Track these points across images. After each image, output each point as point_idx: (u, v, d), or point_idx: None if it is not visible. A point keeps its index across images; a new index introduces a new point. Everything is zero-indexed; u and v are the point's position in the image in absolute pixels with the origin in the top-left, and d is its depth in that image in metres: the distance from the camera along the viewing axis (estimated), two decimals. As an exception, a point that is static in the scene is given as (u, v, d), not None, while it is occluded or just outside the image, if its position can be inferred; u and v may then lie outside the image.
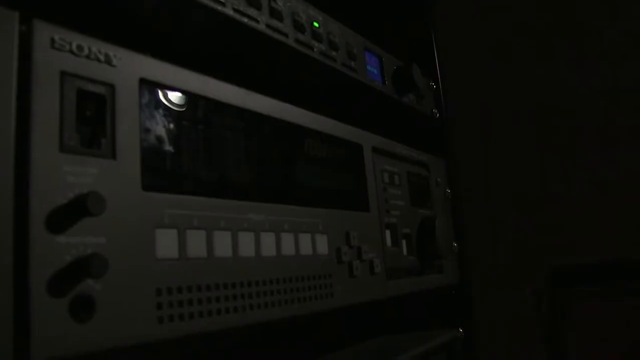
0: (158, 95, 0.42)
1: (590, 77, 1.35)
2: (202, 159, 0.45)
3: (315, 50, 0.60)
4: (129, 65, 0.40)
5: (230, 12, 0.49)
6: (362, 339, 0.80)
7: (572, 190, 1.41)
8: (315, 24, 0.61)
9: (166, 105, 0.43)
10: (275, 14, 0.54)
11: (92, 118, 0.37)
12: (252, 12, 0.51)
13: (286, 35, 0.56)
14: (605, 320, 1.38)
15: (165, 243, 0.40)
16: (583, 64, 1.37)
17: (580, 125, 1.37)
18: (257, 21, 0.52)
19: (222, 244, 0.44)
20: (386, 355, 0.66)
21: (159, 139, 0.41)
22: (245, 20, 0.51)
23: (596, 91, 1.35)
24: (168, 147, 0.42)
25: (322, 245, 0.55)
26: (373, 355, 0.67)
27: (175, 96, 0.43)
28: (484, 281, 1.26)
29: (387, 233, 0.69)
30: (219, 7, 0.48)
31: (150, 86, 0.41)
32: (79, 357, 0.34)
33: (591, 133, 1.36)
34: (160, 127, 0.42)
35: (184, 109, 0.44)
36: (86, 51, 0.37)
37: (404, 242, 0.72)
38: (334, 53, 0.63)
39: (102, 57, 0.38)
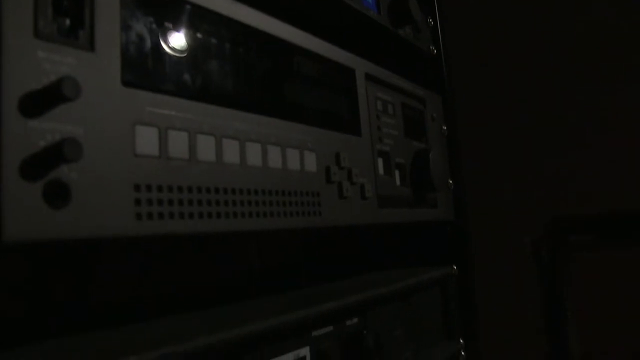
0: (140, -7, 0.41)
1: (592, 12, 1.33)
2: (185, 62, 0.44)
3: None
4: (109, -42, 0.39)
5: None
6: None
7: (575, 137, 1.40)
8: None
9: (150, 5, 0.42)
10: None
11: (69, 8, 0.36)
12: None
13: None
14: (604, 269, 1.38)
15: (145, 140, 0.39)
16: None
17: (585, 69, 1.35)
18: None
19: (205, 148, 0.43)
20: (376, 287, 0.66)
21: (141, 37, 0.41)
22: None
23: (601, 28, 1.33)
24: (150, 46, 0.41)
25: (311, 162, 0.55)
26: (363, 286, 0.66)
27: (157, -4, 0.42)
28: (481, 223, 1.25)
29: (380, 161, 0.68)
30: None
31: (130, -18, 0.40)
32: (55, 243, 0.33)
33: (597, 76, 1.34)
34: (142, 25, 0.41)
35: (168, 11, 0.43)
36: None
37: (397, 173, 0.72)
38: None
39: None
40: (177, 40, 0.43)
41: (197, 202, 0.42)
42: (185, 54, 0.44)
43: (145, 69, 0.40)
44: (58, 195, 0.33)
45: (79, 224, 0.34)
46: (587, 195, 1.40)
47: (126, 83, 0.38)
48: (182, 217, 0.41)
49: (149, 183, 0.39)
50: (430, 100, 0.85)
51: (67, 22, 0.36)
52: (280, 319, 0.50)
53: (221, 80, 0.47)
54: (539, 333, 1.43)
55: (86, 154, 0.35)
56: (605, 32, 1.32)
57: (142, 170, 0.38)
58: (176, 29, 0.43)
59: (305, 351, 0.55)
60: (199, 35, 0.45)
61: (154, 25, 0.42)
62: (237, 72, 0.49)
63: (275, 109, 0.52)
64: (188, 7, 0.45)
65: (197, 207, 0.42)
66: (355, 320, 0.63)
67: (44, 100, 0.33)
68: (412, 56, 0.87)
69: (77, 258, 0.58)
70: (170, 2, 0.44)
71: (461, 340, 0.87)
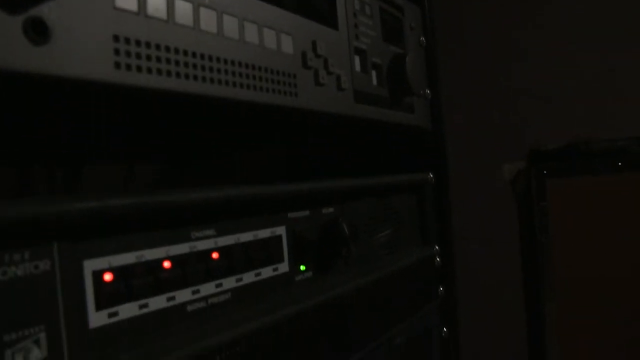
0: None
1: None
2: None
3: None
4: None
5: None
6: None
7: (555, 59, 1.41)
8: None
9: None
10: None
11: None
12: None
13: None
14: (580, 196, 1.42)
15: (123, -4, 0.40)
16: None
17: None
18: None
19: (183, 13, 0.45)
20: (352, 180, 0.68)
21: None
22: None
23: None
24: None
25: (287, 44, 0.56)
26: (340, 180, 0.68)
27: None
28: (457, 135, 1.28)
29: (357, 59, 0.70)
30: None
31: None
32: (34, 80, 0.35)
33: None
34: None
35: None
36: None
37: (373, 73, 0.73)
38: None
39: None
40: None
41: (174, 62, 0.43)
42: None
43: None
44: (38, 32, 0.34)
45: (58, 62, 0.35)
46: (565, 124, 1.42)
47: (105, -64, 0.39)
48: (160, 73, 0.42)
49: (127, 36, 0.40)
50: (408, 9, 0.85)
51: None
52: (256, 190, 0.52)
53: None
54: (512, 245, 1.47)
55: (65, -3, 0.36)
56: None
57: (121, 22, 0.40)
58: None
59: (281, 230, 0.57)
60: None
61: None
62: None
63: (251, -12, 0.53)
64: None
65: (174, 66, 0.43)
66: (331, 209, 0.65)
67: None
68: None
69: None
70: None
71: (436, 247, 0.90)
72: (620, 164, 1.44)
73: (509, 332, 1.48)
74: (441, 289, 0.91)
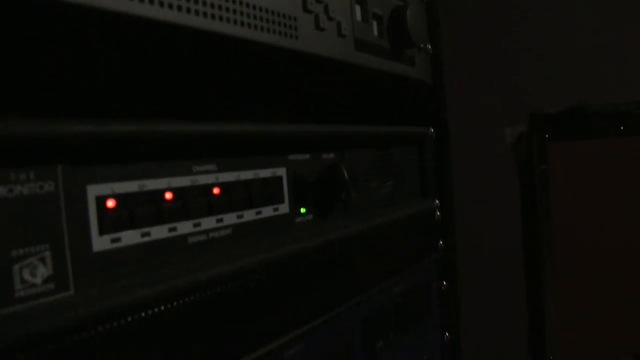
0: None
1: None
2: None
3: None
4: None
5: None
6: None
7: (556, 32, 1.41)
8: None
9: None
10: None
11: None
12: None
13: None
14: (581, 160, 1.42)
15: None
16: None
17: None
18: None
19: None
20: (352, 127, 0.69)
21: None
22: None
23: None
24: None
25: (287, -15, 0.56)
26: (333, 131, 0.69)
27: None
28: (458, 89, 1.28)
29: (357, 8, 0.70)
30: None
31: None
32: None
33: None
34: None
35: None
36: None
37: (374, 23, 0.73)
38: None
39: None
40: None
41: (174, -5, 0.44)
42: None
43: None
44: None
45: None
46: (567, 88, 1.42)
47: None
48: (162, 5, 0.42)
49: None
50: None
51: None
52: (257, 128, 0.53)
53: None
54: (513, 207, 1.48)
55: None
56: None
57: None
58: None
59: (281, 171, 0.58)
60: None
61: None
62: None
63: None
64: None
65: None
66: (331, 155, 0.66)
67: None
68: None
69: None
70: None
71: (436, 201, 0.91)
72: (622, 127, 1.44)
73: (508, 290, 1.50)
74: (441, 243, 0.92)
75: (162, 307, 0.43)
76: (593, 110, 1.44)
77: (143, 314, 0.41)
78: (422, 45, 0.83)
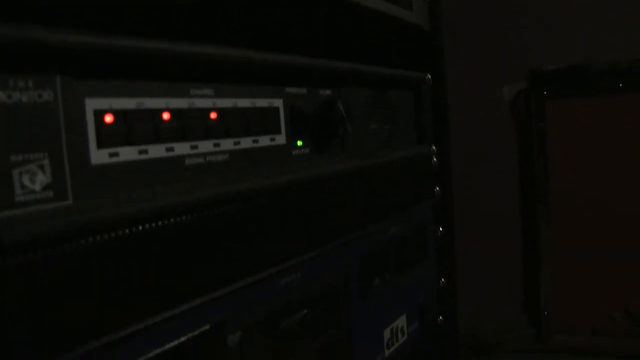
0: None
1: None
2: None
3: None
4: None
5: None
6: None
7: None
8: None
9: None
10: None
11: None
12: None
13: None
14: (580, 118, 1.42)
15: None
16: None
17: None
18: None
19: None
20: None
21: None
22: None
23: None
24: None
25: None
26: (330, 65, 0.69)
27: None
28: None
29: (355, -54, 0.70)
30: None
31: None
32: None
33: None
34: None
35: None
36: None
37: (370, -37, 0.73)
38: None
39: None
40: None
41: None
42: None
43: None
44: None
45: None
46: (567, 46, 1.42)
47: None
48: None
49: None
50: None
51: None
52: (255, 54, 0.53)
53: None
54: (511, 166, 1.49)
55: None
56: None
57: None
58: None
59: (278, 102, 0.59)
60: None
61: None
62: None
63: None
64: None
65: None
66: (328, 91, 0.66)
67: None
68: None
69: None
70: None
71: (433, 147, 0.92)
72: (621, 85, 1.44)
73: (504, 246, 1.51)
74: (438, 189, 0.93)
75: (160, 223, 0.44)
76: (593, 67, 1.44)
77: (140, 227, 0.42)
78: (419, -10, 0.83)
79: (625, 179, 1.43)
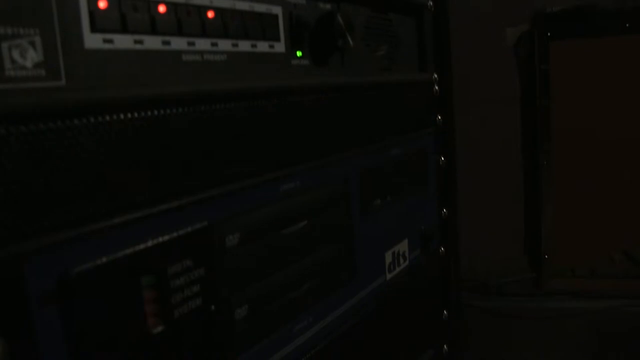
0: None
1: None
2: None
3: None
4: None
5: None
6: None
7: None
8: None
9: None
10: None
11: None
12: None
13: None
14: (584, 59, 1.41)
15: None
16: None
17: None
18: None
19: None
20: None
21: None
22: None
23: None
24: None
25: None
26: None
27: None
28: None
29: None
30: None
31: None
32: None
33: None
34: None
35: None
36: None
37: None
38: None
39: None
40: None
41: None
42: None
43: None
44: None
45: None
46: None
47: None
48: None
49: None
50: None
51: None
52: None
53: None
54: (513, 109, 1.48)
55: None
56: None
57: None
58: None
59: (277, 10, 0.57)
60: None
61: None
62: None
63: None
64: None
65: None
66: (328, 6, 0.65)
67: None
68: None
69: None
70: None
71: (435, 75, 0.91)
72: (627, 25, 1.42)
73: (505, 188, 1.51)
74: (439, 117, 0.92)
75: (156, 112, 0.43)
76: (598, 8, 1.42)
77: (133, 114, 0.41)
78: None
79: (630, 121, 1.42)
